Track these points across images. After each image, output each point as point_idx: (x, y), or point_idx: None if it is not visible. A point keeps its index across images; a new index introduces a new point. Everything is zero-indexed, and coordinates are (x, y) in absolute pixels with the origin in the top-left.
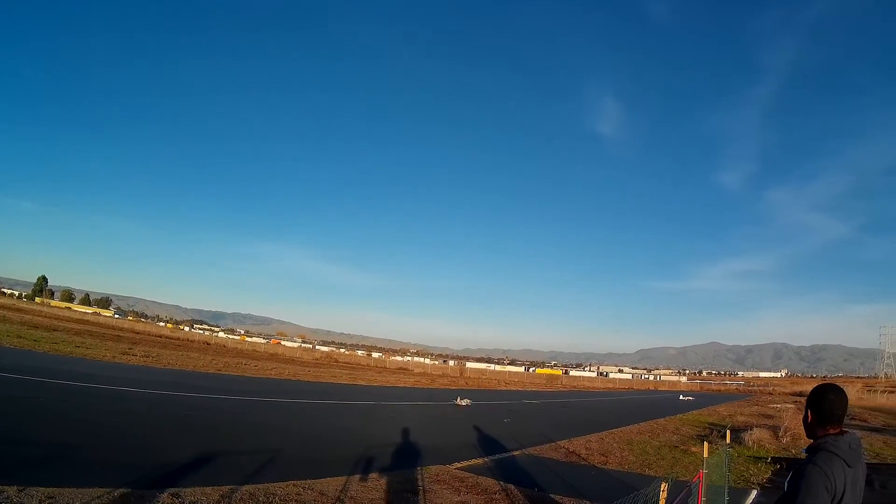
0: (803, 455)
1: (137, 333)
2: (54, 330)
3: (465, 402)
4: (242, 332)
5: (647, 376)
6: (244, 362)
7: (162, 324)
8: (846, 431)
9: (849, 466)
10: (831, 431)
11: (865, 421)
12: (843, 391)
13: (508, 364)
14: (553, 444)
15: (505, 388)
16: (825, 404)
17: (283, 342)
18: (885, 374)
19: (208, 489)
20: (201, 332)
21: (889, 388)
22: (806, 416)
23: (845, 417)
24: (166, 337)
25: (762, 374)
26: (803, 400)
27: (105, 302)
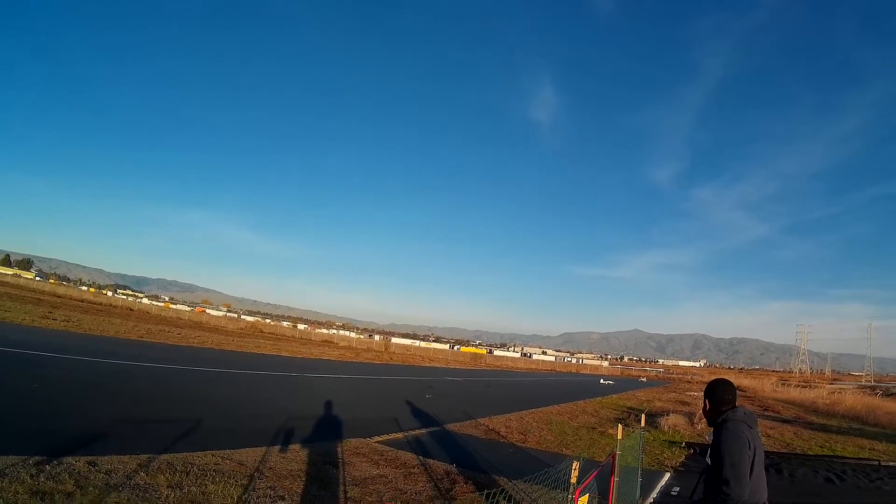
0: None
1: (58, 297)
2: None
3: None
4: (167, 298)
5: (569, 359)
6: (167, 330)
7: (84, 288)
8: (736, 406)
9: (749, 427)
10: (725, 409)
11: (778, 413)
12: (731, 382)
13: (434, 341)
14: (473, 421)
15: (429, 365)
16: (717, 393)
17: (207, 311)
18: (800, 369)
19: (125, 457)
20: (125, 297)
21: (802, 383)
22: (704, 406)
23: (759, 409)
24: (88, 301)
25: (682, 363)
26: None
27: (26, 263)
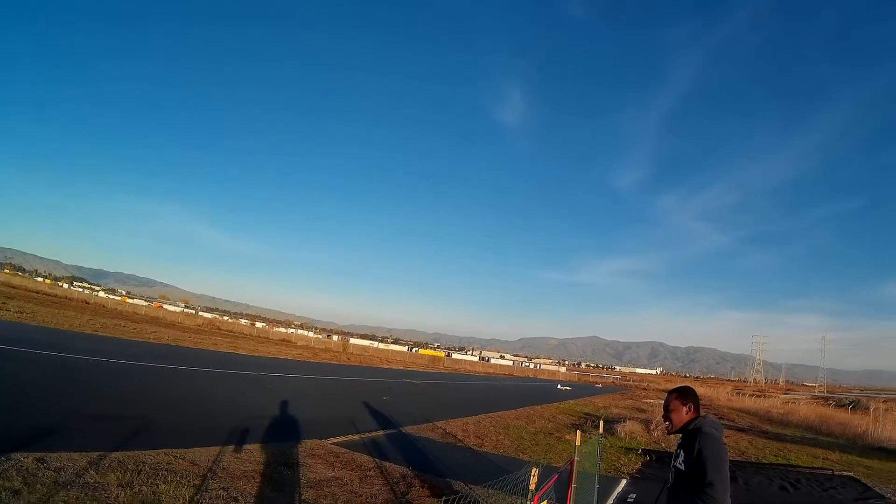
0: (666, 448)
1: (13, 287)
2: None
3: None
4: (124, 292)
5: (527, 364)
6: (123, 324)
7: (40, 279)
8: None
9: (721, 435)
10: (698, 416)
11: (733, 421)
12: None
13: (392, 342)
14: (431, 424)
15: (387, 366)
16: (697, 398)
17: (165, 306)
18: (755, 379)
19: (76, 455)
20: (81, 290)
21: (757, 392)
22: (689, 409)
23: (715, 418)
24: (43, 293)
25: (639, 371)
26: None
27: None
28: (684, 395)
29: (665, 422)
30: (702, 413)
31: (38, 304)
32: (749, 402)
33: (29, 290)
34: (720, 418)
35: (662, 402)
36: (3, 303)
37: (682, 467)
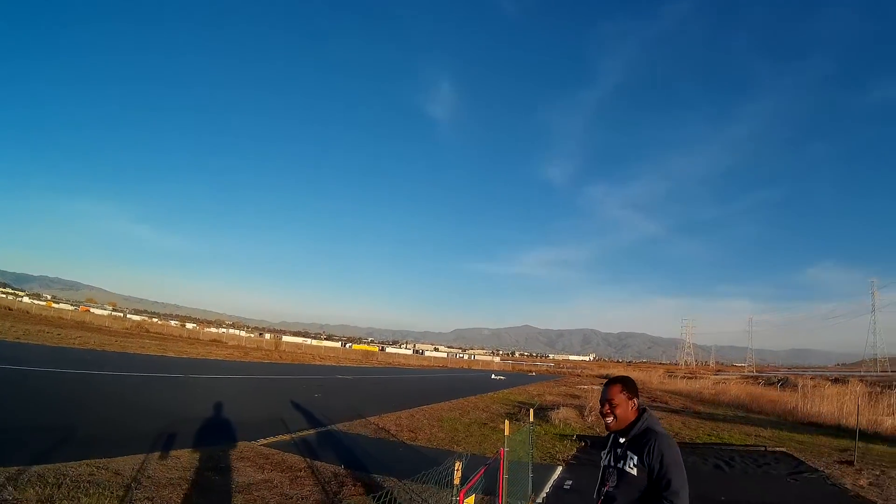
0: (600, 432)
1: None
2: None
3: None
4: (49, 297)
5: (461, 355)
6: (47, 330)
7: None
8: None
9: None
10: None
11: (666, 403)
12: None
13: (325, 339)
14: (363, 419)
15: (320, 363)
16: (636, 389)
17: (92, 310)
18: (686, 361)
19: None
20: (3, 295)
21: (688, 375)
22: (634, 404)
23: (648, 400)
24: None
25: (572, 358)
26: None
27: None
28: (630, 387)
29: (607, 417)
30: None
31: None
32: (681, 385)
33: None
34: (653, 401)
35: (599, 389)
36: None
37: (634, 472)
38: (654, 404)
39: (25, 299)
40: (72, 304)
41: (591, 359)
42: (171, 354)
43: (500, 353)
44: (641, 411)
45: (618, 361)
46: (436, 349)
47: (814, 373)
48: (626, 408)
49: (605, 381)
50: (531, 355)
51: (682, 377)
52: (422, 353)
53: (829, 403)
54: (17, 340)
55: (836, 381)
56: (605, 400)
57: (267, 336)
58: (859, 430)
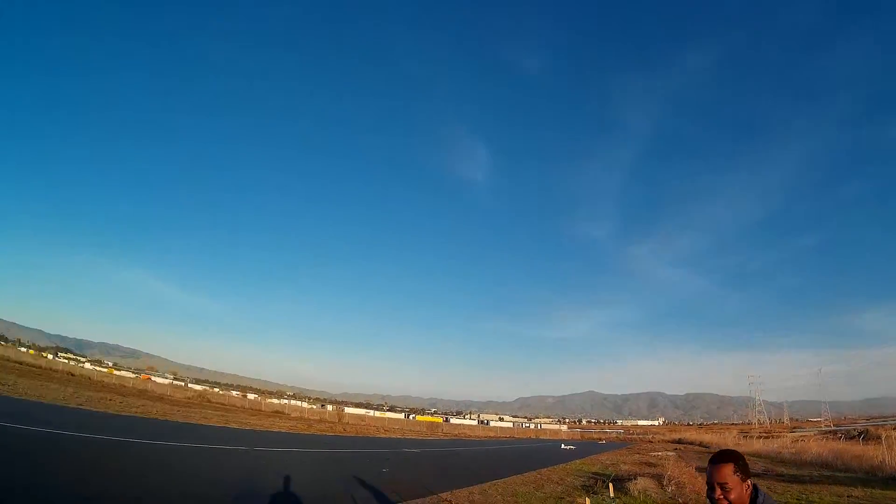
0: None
1: None
2: None
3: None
4: (110, 364)
5: (527, 424)
6: (109, 397)
7: (23, 349)
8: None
9: None
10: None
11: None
12: None
13: (388, 410)
14: (435, 496)
15: (384, 435)
16: (747, 465)
17: (153, 378)
18: (759, 420)
19: None
20: (66, 361)
21: (763, 434)
22: (748, 486)
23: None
24: (27, 364)
25: (640, 423)
26: (683, 447)
27: None
28: (743, 467)
29: (721, 502)
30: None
31: (21, 375)
32: (758, 445)
33: (11, 361)
34: None
35: (674, 455)
36: None
37: None
38: None
39: (87, 365)
40: (132, 372)
41: (660, 423)
42: (233, 425)
43: (567, 420)
44: (755, 491)
45: (688, 424)
46: (500, 419)
47: (895, 422)
48: (740, 491)
49: (679, 445)
50: (599, 422)
51: (757, 437)
52: (487, 424)
53: None
54: (80, 407)
55: None
56: (717, 483)
57: (329, 407)
58: None
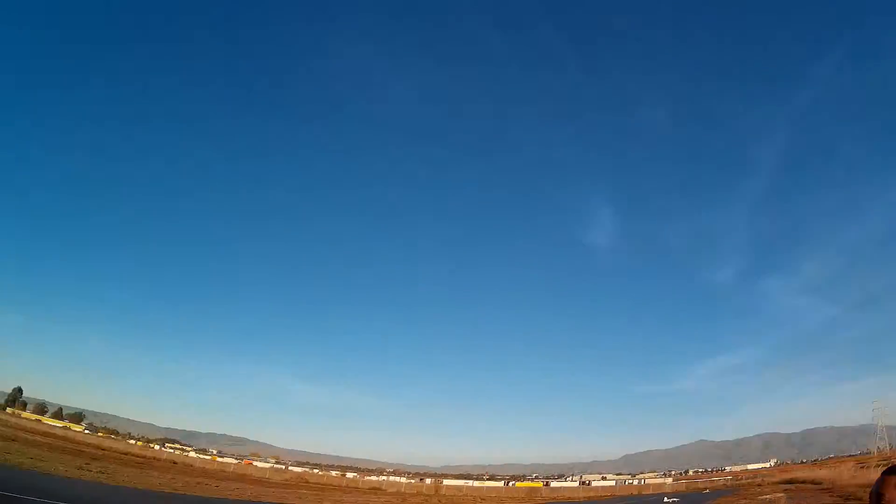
0: None
1: (102, 450)
2: (13, 440)
3: None
4: (215, 451)
5: (630, 481)
6: (206, 482)
7: (132, 441)
8: None
9: None
10: None
11: (861, 499)
12: None
13: (488, 479)
14: None
15: None
16: None
17: (255, 463)
18: (878, 447)
19: None
20: (171, 450)
21: (882, 462)
22: None
23: (841, 499)
24: (132, 454)
25: (750, 467)
26: (795, 488)
27: (78, 416)
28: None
29: None
30: None
31: (124, 464)
32: (875, 475)
33: (118, 452)
34: (846, 499)
35: (779, 495)
36: (86, 463)
37: None
38: (848, 502)
39: (192, 454)
40: (236, 458)
41: (772, 464)
42: None
43: (673, 473)
44: None
45: (802, 462)
46: (603, 478)
47: None
48: None
49: (789, 486)
50: (706, 471)
51: (874, 466)
52: (588, 484)
53: None
54: (174, 492)
55: None
56: (877, 494)
57: (428, 481)
58: None
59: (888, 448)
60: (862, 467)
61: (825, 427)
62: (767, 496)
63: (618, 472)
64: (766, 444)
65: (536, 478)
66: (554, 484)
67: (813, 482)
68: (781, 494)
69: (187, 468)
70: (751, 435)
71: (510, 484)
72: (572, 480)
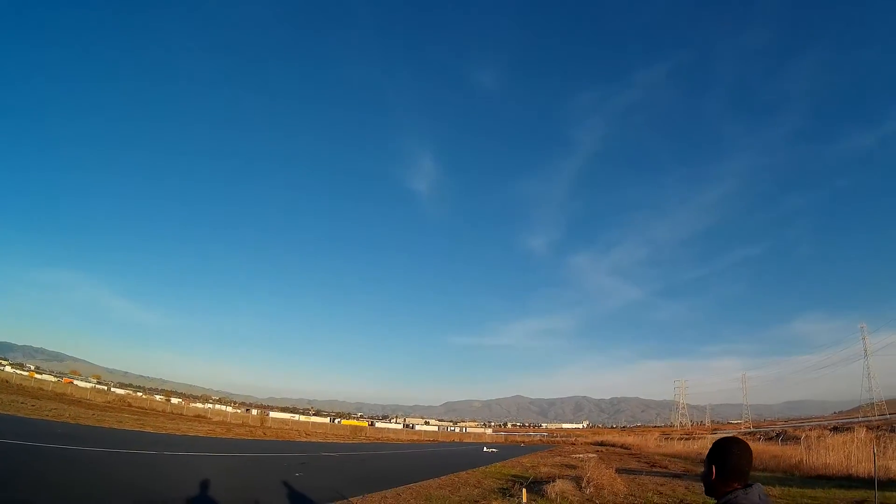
0: None
1: None
2: None
3: None
4: (32, 367)
5: (452, 428)
6: (21, 401)
7: None
8: (751, 484)
9: None
10: (737, 487)
11: (666, 468)
12: (747, 444)
13: (314, 414)
14: (345, 500)
15: (305, 440)
16: (730, 459)
17: (75, 382)
18: (681, 422)
19: None
20: None
21: (684, 436)
22: (708, 472)
23: (647, 465)
24: None
25: (565, 426)
26: (605, 449)
27: None
28: (714, 452)
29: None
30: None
31: None
32: (679, 447)
33: None
34: (652, 466)
35: (595, 457)
36: None
37: None
38: (654, 469)
39: (7, 368)
40: (55, 376)
41: (585, 426)
42: (149, 430)
43: (492, 424)
44: (736, 488)
45: (612, 427)
46: (426, 423)
47: (812, 424)
48: (713, 480)
49: (600, 447)
50: (524, 425)
51: (678, 439)
52: (412, 428)
53: (836, 453)
54: None
55: (835, 429)
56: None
57: (253, 412)
58: (873, 478)
59: (689, 423)
60: (666, 438)
61: (632, 397)
62: (580, 455)
63: (438, 418)
64: (578, 406)
65: (362, 417)
66: (378, 424)
67: (622, 447)
68: (594, 455)
69: (2, 384)
70: (564, 396)
71: (335, 421)
72: (396, 422)
